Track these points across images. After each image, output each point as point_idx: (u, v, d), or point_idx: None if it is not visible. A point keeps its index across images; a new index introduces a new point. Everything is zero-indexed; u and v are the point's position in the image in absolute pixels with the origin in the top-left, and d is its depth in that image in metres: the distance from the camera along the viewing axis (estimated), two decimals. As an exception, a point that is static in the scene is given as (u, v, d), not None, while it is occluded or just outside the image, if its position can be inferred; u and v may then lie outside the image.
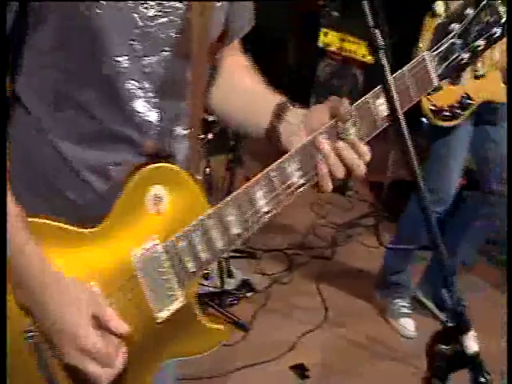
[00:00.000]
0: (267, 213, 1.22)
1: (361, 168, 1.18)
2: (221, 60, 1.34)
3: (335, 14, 4.60)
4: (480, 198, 3.26)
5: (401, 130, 1.08)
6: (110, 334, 1.11)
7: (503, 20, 1.21)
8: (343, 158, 1.18)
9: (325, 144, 1.18)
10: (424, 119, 3.92)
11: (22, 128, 1.15)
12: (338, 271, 3.77)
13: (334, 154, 1.18)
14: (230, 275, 3.38)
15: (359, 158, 1.18)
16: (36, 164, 1.16)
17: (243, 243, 3.27)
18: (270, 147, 1.30)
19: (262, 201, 1.21)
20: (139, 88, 1.12)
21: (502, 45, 2.69)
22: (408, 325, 3.37)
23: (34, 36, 1.09)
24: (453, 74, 1.28)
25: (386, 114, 1.21)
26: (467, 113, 2.98)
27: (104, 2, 1.05)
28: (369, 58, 4.35)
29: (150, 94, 1.14)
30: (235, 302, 3.25)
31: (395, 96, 1.09)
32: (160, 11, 1.11)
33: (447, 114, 3.02)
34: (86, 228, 1.13)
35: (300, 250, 3.83)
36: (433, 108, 3.00)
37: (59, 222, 1.11)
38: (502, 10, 1.21)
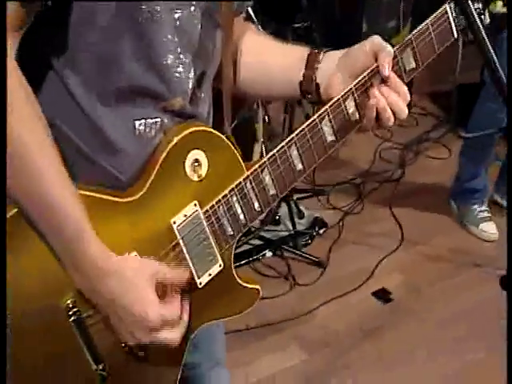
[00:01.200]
0: (302, 171, 1.23)
1: (405, 110, 1.18)
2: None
3: None
4: None
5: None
6: (174, 293, 1.12)
7: None
8: (389, 102, 1.18)
9: (375, 89, 1.18)
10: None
11: (50, 92, 1.08)
12: (410, 190, 3.70)
13: (383, 99, 1.17)
14: (301, 216, 3.39)
15: (402, 100, 1.18)
16: (64, 129, 1.10)
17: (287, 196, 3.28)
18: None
19: (297, 159, 1.21)
20: (171, 41, 1.10)
21: None
22: (489, 228, 3.30)
23: None
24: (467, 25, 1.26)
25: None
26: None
27: None
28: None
29: (179, 50, 1.12)
30: (309, 241, 3.25)
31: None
32: None
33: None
34: (121, 195, 1.10)
35: (368, 178, 3.77)
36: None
37: (93, 191, 1.08)
38: None
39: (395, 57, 1.19)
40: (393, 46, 1.20)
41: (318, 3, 4.60)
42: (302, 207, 3.43)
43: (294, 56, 1.30)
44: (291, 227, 3.28)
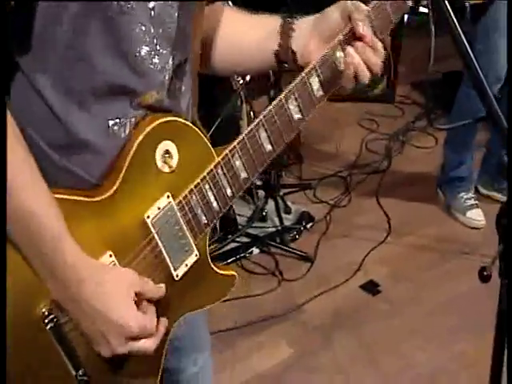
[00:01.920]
0: (272, 152, 1.24)
1: (379, 65, 1.21)
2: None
3: None
4: None
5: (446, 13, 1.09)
6: (150, 303, 1.12)
7: None
8: (364, 58, 1.20)
9: (349, 47, 1.20)
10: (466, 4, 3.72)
11: (19, 95, 1.06)
12: (397, 180, 3.70)
13: (358, 55, 1.20)
14: (288, 211, 3.38)
15: (377, 55, 1.21)
16: (34, 136, 1.08)
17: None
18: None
19: (266, 141, 1.22)
20: (145, 32, 1.08)
21: None
22: (476, 216, 3.31)
23: None
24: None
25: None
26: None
27: None
28: None
29: (155, 41, 1.10)
30: (297, 236, 3.25)
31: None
32: None
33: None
34: (93, 194, 1.08)
35: (355, 170, 3.77)
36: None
37: (63, 193, 1.06)
38: None
39: (369, 16, 1.21)
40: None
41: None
42: (288, 202, 3.43)
43: (267, 27, 1.30)
44: (278, 223, 3.27)
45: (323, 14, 1.25)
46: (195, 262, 1.21)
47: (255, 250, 3.15)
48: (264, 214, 3.32)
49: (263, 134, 1.21)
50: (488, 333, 1.29)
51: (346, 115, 4.25)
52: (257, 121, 1.21)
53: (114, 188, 1.09)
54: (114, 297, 1.05)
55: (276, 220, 3.29)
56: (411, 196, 3.54)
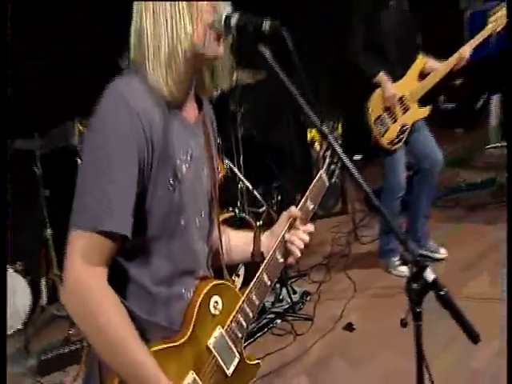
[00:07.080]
0: (271, 284, 1.31)
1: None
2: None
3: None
4: (420, 178, 3.48)
5: (355, 178, 1.05)
6: None
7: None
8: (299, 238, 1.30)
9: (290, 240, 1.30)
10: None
11: (122, 284, 1.12)
12: (356, 259, 3.92)
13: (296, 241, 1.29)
14: (295, 292, 3.53)
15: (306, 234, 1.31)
16: (135, 309, 1.14)
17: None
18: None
19: (267, 279, 1.30)
20: (196, 231, 1.18)
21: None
22: (402, 269, 3.62)
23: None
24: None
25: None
26: (406, 134, 3.39)
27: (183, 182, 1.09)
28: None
29: (200, 234, 1.20)
30: (301, 306, 3.41)
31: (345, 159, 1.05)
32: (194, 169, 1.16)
33: (396, 140, 3.37)
34: (175, 340, 1.15)
35: (331, 258, 3.98)
36: (388, 141, 3.37)
37: (159, 344, 1.11)
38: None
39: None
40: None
41: (284, 163, 4.90)
42: (294, 286, 3.58)
43: (244, 240, 1.39)
44: (290, 301, 3.41)
45: (274, 228, 1.34)
46: (238, 361, 1.27)
47: (278, 321, 3.28)
48: (280, 297, 3.45)
49: (265, 277, 1.30)
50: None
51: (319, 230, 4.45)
52: (261, 269, 1.28)
53: (189, 332, 1.17)
54: None
55: (288, 299, 3.42)
56: (366, 265, 3.76)
